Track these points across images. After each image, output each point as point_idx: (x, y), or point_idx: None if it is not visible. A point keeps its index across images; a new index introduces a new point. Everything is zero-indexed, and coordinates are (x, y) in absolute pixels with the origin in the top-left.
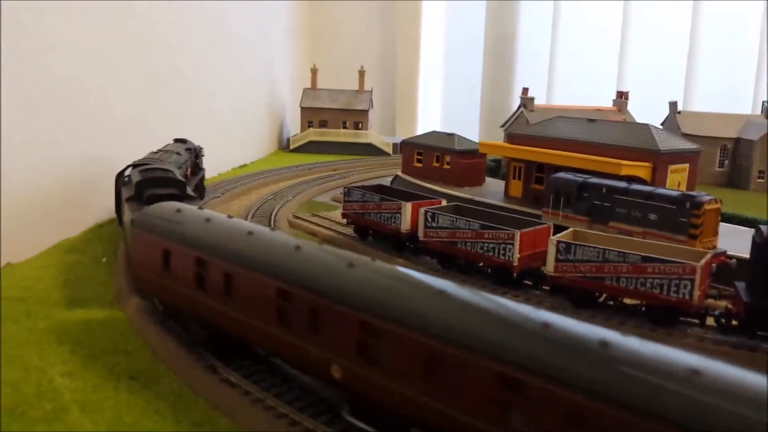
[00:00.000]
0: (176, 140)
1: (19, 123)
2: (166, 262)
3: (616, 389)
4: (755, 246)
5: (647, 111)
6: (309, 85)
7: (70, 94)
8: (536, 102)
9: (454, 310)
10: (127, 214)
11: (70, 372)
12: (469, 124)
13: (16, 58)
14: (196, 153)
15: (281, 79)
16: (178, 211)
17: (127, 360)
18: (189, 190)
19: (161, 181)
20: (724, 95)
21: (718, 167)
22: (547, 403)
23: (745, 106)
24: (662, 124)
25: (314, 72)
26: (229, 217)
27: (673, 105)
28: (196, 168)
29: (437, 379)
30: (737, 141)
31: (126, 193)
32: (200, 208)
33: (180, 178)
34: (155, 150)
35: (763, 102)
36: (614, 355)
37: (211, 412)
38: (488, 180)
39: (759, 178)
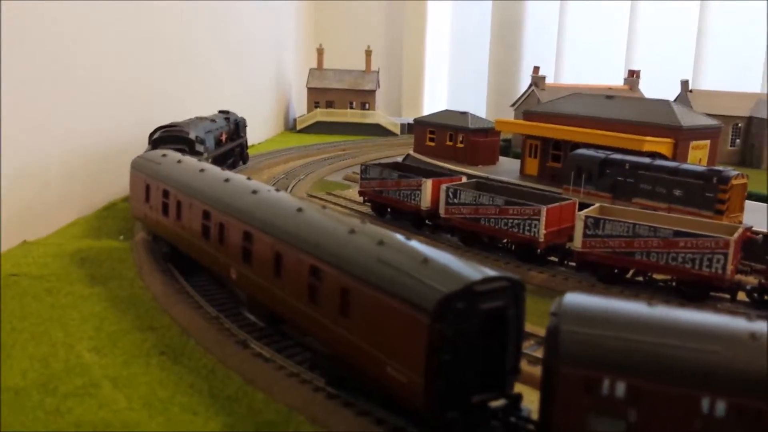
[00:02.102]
0: (220, 111)
1: (33, 105)
2: (147, 194)
3: (371, 274)
4: None
5: (657, 90)
6: (315, 65)
7: (84, 74)
8: (545, 81)
9: (299, 223)
10: None
11: (97, 348)
12: (475, 105)
13: (30, 35)
14: (236, 123)
15: (287, 59)
16: (164, 155)
17: (155, 336)
18: (201, 148)
19: (174, 138)
20: (734, 73)
21: (730, 146)
22: (334, 284)
23: (755, 84)
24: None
25: (320, 52)
26: (201, 161)
27: (684, 84)
28: (235, 136)
29: (280, 272)
30: (749, 120)
31: (146, 149)
32: (202, 159)
33: (191, 137)
34: (192, 117)
35: None
36: (382, 251)
37: (246, 386)
38: (501, 159)
39: None
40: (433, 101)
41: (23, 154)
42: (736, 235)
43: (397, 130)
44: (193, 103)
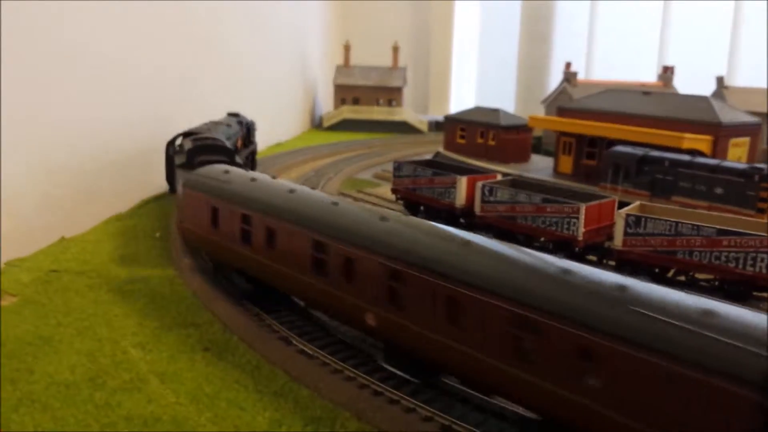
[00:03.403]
0: (229, 114)
1: (67, 101)
2: (215, 218)
3: (629, 329)
4: None
5: (691, 86)
6: (342, 62)
7: (116, 74)
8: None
9: (476, 259)
10: (180, 178)
11: (142, 344)
12: (504, 101)
13: (60, 35)
14: (248, 127)
15: (313, 56)
16: (226, 172)
17: (198, 332)
18: (237, 158)
19: (211, 148)
20: None
21: (767, 144)
22: (563, 343)
23: None
24: None
25: (347, 48)
26: (273, 177)
27: (719, 80)
28: (248, 141)
29: (461, 322)
30: None
31: (178, 160)
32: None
33: (229, 146)
34: (206, 122)
35: None
36: (627, 296)
37: (291, 383)
38: (533, 156)
39: None
40: (461, 98)
41: (57, 152)
42: None
43: (425, 128)
44: (218, 101)
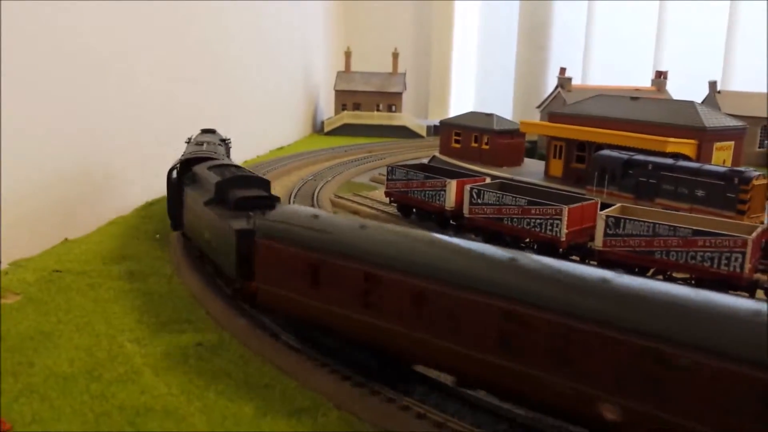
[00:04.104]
0: (203, 131)
1: (66, 105)
2: (315, 278)
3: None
4: None
5: (686, 91)
6: (343, 68)
7: (109, 75)
8: (572, 82)
9: None
10: (217, 220)
11: (138, 339)
12: (502, 106)
13: (60, 44)
14: (227, 144)
15: (315, 62)
16: (315, 217)
17: (192, 328)
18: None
19: (244, 180)
20: (764, 74)
21: (759, 147)
22: None
23: None
24: (702, 103)
25: (348, 55)
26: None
27: (712, 85)
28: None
29: None
30: None
31: (199, 195)
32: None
33: (262, 176)
34: (194, 142)
35: None
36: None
37: (280, 375)
38: (526, 160)
39: None
40: (460, 103)
41: (62, 156)
42: (754, 234)
43: (424, 132)
44: (223, 107)
